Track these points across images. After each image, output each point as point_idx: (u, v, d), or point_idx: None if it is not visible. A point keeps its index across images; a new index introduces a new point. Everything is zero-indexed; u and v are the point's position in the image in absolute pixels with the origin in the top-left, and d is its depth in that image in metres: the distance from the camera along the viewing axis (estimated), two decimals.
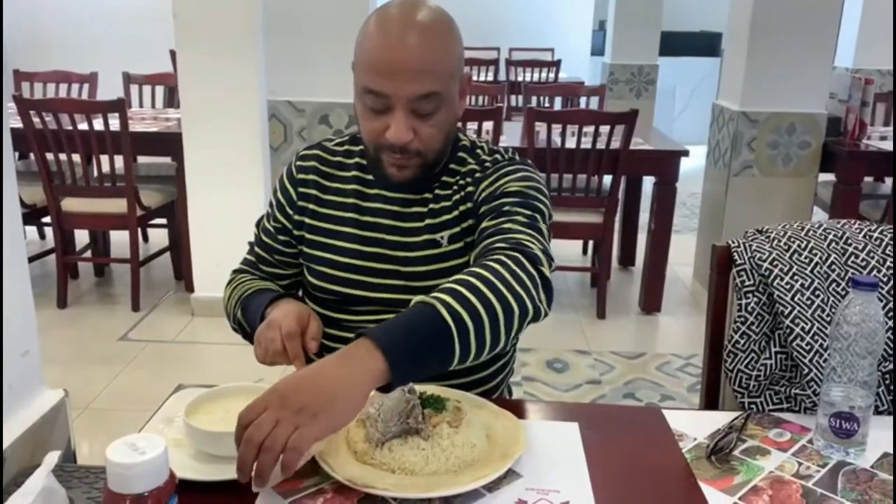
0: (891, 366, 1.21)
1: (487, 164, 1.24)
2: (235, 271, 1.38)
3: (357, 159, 1.28)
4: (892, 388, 1.21)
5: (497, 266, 0.98)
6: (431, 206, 1.24)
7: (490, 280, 0.95)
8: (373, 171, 1.24)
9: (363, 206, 1.25)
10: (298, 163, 1.31)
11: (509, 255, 1.01)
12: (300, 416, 0.81)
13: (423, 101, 1.11)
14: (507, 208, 1.13)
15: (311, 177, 1.29)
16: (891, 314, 1.22)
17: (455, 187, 1.24)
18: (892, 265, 1.26)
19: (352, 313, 1.27)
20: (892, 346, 1.22)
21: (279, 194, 1.31)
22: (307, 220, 1.28)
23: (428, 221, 1.23)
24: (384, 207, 1.24)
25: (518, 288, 0.96)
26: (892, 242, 1.28)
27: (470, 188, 1.22)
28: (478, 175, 1.23)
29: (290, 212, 1.29)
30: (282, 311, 1.15)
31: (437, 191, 1.24)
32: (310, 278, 1.29)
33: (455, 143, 1.26)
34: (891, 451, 1.06)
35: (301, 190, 1.28)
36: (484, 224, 1.14)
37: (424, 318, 0.91)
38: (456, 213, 1.23)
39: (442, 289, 0.94)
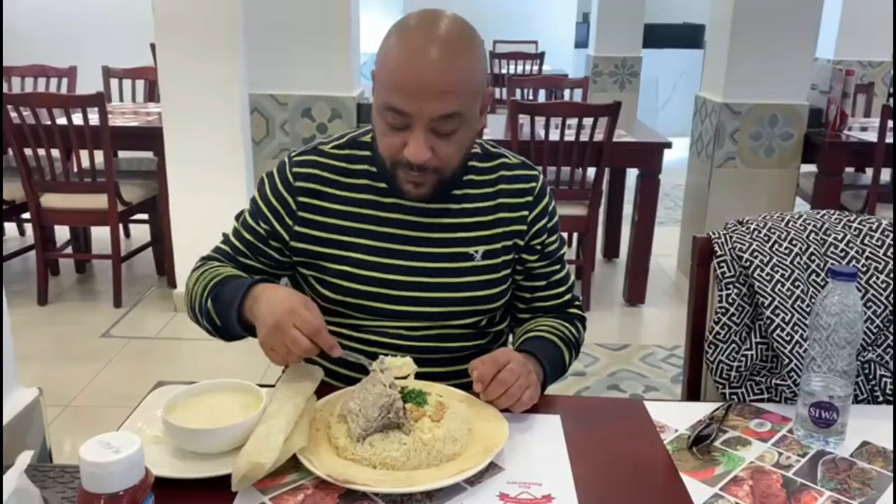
0: (870, 355, 1.22)
1: (530, 181, 1.27)
2: (204, 258, 1.29)
3: (365, 166, 1.23)
4: (871, 378, 1.22)
5: (576, 334, 1.32)
6: (462, 218, 1.22)
7: (576, 346, 1.32)
8: (385, 180, 1.20)
9: (381, 217, 1.21)
10: (295, 169, 1.23)
11: (579, 322, 1.34)
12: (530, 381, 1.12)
13: (443, 121, 1.09)
14: (550, 249, 1.30)
15: (312, 185, 1.22)
16: (869, 304, 1.23)
17: (488, 201, 1.24)
18: (870, 255, 1.27)
19: (369, 321, 1.22)
20: (871, 335, 1.22)
21: (272, 200, 1.23)
22: (313, 233, 1.21)
23: (460, 234, 1.22)
24: (405, 218, 1.21)
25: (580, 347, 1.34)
26: (870, 232, 1.29)
27: (502, 199, 1.24)
28: (529, 200, 1.26)
29: (290, 222, 1.22)
30: (281, 304, 1.05)
31: (464, 203, 1.23)
32: (322, 290, 1.22)
33: None
34: (870, 439, 1.07)
35: (302, 200, 1.21)
36: (535, 264, 1.29)
37: (557, 357, 1.25)
38: (496, 230, 1.23)
39: (563, 339, 1.27)
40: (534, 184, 1.27)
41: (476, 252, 1.22)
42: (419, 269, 1.20)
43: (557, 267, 1.32)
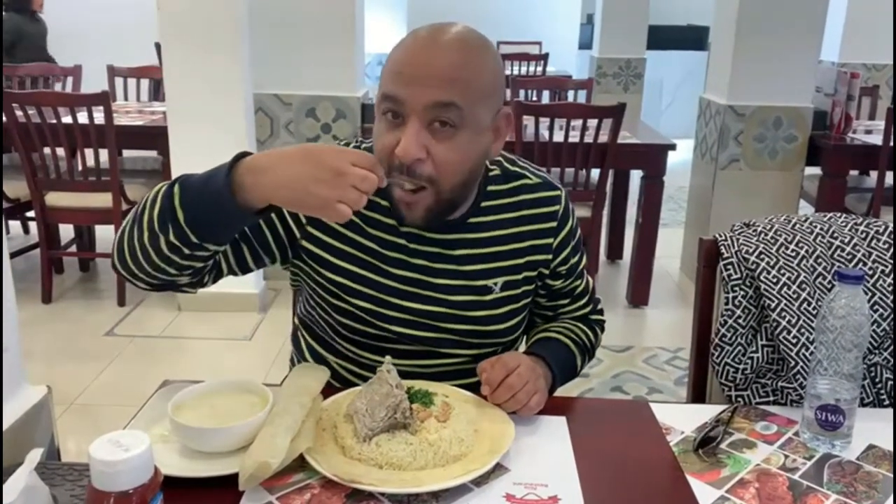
0: (876, 358, 1.22)
1: (552, 203, 1.20)
2: None
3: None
4: (877, 381, 1.22)
5: (591, 339, 1.31)
6: (480, 249, 1.17)
7: (590, 350, 1.31)
8: (388, 198, 1.12)
9: (396, 244, 1.14)
10: None
11: (598, 327, 1.33)
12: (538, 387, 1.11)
13: (440, 112, 1.00)
14: (573, 266, 1.26)
15: None
16: (876, 307, 1.23)
17: (508, 228, 1.18)
18: (877, 258, 1.26)
19: (381, 353, 1.15)
20: (877, 338, 1.22)
21: None
22: (321, 253, 1.14)
23: (478, 266, 1.17)
24: (420, 248, 1.15)
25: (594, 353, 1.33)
26: (877, 235, 1.29)
27: (524, 226, 1.18)
28: (553, 225, 1.20)
29: (297, 234, 1.14)
30: (318, 154, 0.92)
31: (481, 232, 1.17)
32: (332, 321, 1.18)
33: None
34: (876, 443, 1.06)
35: None
36: (560, 285, 1.26)
37: (569, 361, 1.24)
38: (517, 260, 1.18)
39: (576, 342, 1.26)
40: (557, 206, 1.21)
41: (495, 284, 1.17)
42: (435, 299, 1.16)
43: (580, 281, 1.28)
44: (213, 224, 0.98)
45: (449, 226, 1.14)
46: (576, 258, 1.26)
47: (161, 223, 0.98)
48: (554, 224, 1.21)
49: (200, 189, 0.97)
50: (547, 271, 1.23)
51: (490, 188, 1.18)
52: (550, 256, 1.21)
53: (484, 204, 1.17)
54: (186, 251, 0.99)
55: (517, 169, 1.22)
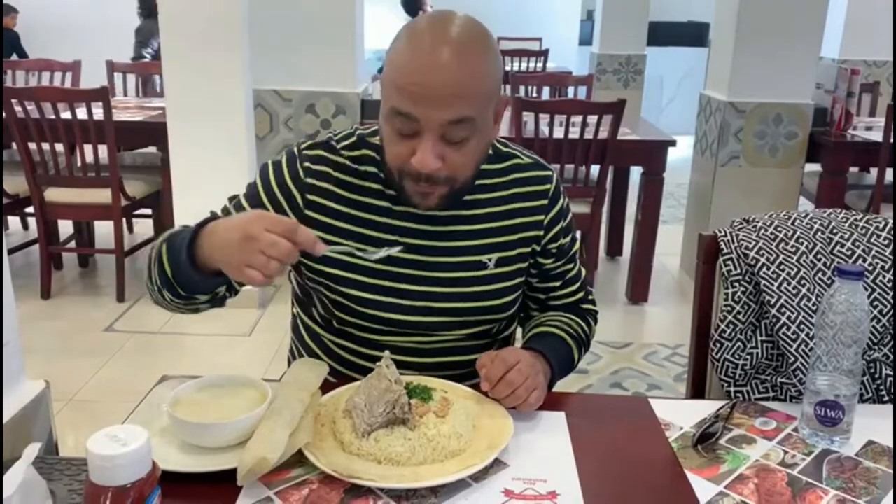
0: (876, 354, 1.22)
1: (544, 182, 1.23)
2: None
3: (375, 169, 1.17)
4: (877, 377, 1.22)
5: (586, 331, 1.31)
6: (474, 225, 1.19)
7: (586, 343, 1.32)
8: (395, 187, 1.13)
9: (391, 225, 1.16)
10: (307, 164, 1.16)
11: (591, 318, 1.34)
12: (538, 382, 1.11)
13: (454, 127, 1.03)
14: (565, 248, 1.28)
15: (323, 184, 1.16)
16: (875, 303, 1.22)
17: (502, 206, 1.20)
18: (877, 254, 1.26)
19: (378, 336, 1.19)
20: (877, 334, 1.22)
21: (276, 191, 1.16)
22: (319, 234, 1.13)
23: (472, 242, 1.19)
24: (415, 227, 1.17)
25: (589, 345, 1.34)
26: (877, 231, 1.29)
27: (516, 203, 1.21)
28: (544, 203, 1.22)
29: (294, 218, 1.12)
30: (245, 217, 0.96)
31: (476, 209, 1.19)
32: (329, 303, 1.20)
33: None
34: (875, 439, 1.06)
35: (311, 198, 1.16)
36: (551, 265, 1.27)
37: (567, 355, 1.24)
38: (510, 237, 1.20)
39: (573, 336, 1.26)
40: (548, 185, 1.24)
41: (489, 260, 1.19)
42: (430, 278, 1.17)
43: (572, 265, 1.30)
44: (191, 281, 1.06)
45: (444, 205, 1.16)
46: (566, 240, 1.27)
47: (159, 275, 1.09)
48: (545, 202, 1.23)
49: (178, 248, 1.04)
50: (539, 248, 1.24)
51: (483, 167, 1.19)
52: (542, 233, 1.23)
53: (478, 182, 1.19)
54: (184, 295, 1.10)
55: (509, 150, 1.26)
